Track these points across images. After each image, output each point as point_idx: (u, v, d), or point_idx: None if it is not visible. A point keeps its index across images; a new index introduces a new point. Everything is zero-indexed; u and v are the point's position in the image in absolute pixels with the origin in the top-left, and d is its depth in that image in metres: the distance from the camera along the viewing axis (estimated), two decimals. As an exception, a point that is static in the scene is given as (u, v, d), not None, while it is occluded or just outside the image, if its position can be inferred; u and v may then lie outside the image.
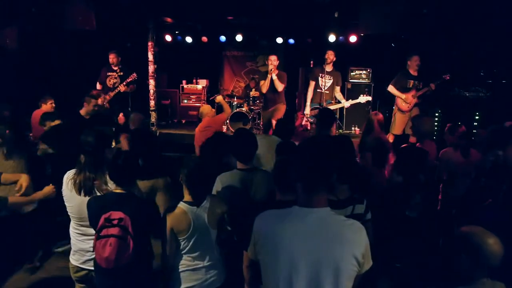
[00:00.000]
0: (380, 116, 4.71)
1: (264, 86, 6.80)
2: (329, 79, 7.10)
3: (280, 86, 6.75)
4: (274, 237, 1.76)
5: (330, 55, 6.97)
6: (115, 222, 2.43)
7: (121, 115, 5.96)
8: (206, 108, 5.67)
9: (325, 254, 1.68)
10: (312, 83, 7.19)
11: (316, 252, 1.68)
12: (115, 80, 7.21)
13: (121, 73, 7.23)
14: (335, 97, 7.27)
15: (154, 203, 2.81)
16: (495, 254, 1.93)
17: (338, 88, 7.24)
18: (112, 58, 7.20)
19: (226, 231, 2.76)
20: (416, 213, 2.89)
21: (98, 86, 7.28)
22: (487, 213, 3.14)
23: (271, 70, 6.67)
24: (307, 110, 7.20)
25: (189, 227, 2.58)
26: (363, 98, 7.35)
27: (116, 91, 7.07)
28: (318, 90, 7.14)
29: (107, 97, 7.05)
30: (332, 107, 7.16)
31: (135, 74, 7.15)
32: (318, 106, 7.11)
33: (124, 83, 7.09)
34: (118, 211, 2.46)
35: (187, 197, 2.68)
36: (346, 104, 7.29)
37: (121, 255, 2.41)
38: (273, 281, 1.77)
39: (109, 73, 7.24)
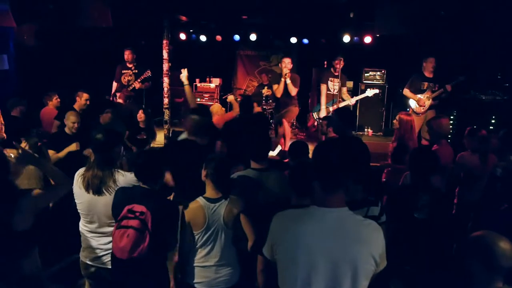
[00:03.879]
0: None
1: (278, 90, 6.78)
2: (338, 82, 7.36)
3: (293, 91, 6.75)
4: (293, 237, 1.77)
5: (339, 64, 7.16)
6: (137, 214, 2.48)
7: (140, 112, 5.99)
8: (215, 107, 5.69)
9: (343, 253, 1.69)
10: (324, 87, 7.47)
11: (335, 252, 1.70)
12: (129, 78, 7.26)
13: (136, 71, 7.27)
14: (342, 97, 7.44)
15: (175, 201, 2.85)
16: (508, 260, 1.90)
17: (344, 89, 7.50)
18: (127, 54, 7.25)
19: (241, 231, 2.77)
20: (424, 215, 2.86)
21: (114, 84, 7.34)
22: (502, 218, 3.10)
23: (285, 74, 6.65)
24: (322, 114, 7.35)
25: (204, 223, 2.63)
26: (370, 92, 7.59)
27: (131, 88, 7.12)
28: (328, 92, 7.50)
29: (122, 95, 7.12)
30: (337, 106, 7.36)
31: (149, 72, 7.20)
32: (326, 106, 7.44)
33: (139, 80, 7.14)
34: (141, 205, 2.50)
35: (208, 192, 2.73)
36: (352, 101, 7.55)
37: (135, 247, 2.44)
38: (291, 281, 1.77)
39: (124, 71, 7.30)
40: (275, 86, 6.89)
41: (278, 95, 6.84)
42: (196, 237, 2.66)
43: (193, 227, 2.65)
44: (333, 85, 7.36)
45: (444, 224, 2.96)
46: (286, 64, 6.69)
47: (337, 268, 1.69)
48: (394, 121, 4.81)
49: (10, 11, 6.32)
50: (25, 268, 2.48)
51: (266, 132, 3.41)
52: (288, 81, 6.66)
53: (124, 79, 7.26)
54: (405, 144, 4.52)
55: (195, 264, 2.70)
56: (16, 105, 5.58)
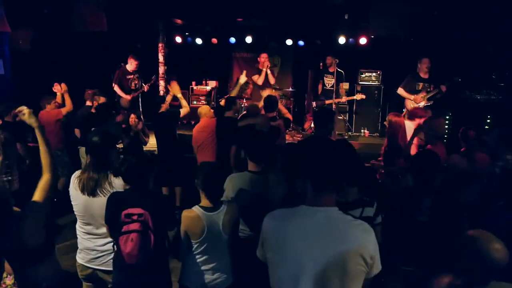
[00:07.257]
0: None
1: (260, 79, 7.98)
2: (332, 78, 8.14)
3: (272, 80, 8.05)
4: (281, 235, 1.76)
5: (328, 60, 8.13)
6: (135, 217, 2.47)
7: (134, 116, 5.97)
8: (204, 109, 5.62)
9: (332, 253, 1.66)
10: (320, 82, 8.35)
11: (323, 251, 1.67)
12: (136, 81, 7.30)
13: (137, 74, 7.32)
14: (340, 94, 8.21)
15: (168, 199, 2.84)
16: (500, 260, 1.92)
17: (341, 85, 8.25)
18: (132, 63, 7.19)
19: (237, 236, 2.77)
20: (426, 218, 2.86)
21: (117, 88, 7.23)
22: (498, 216, 3.10)
23: (267, 66, 7.88)
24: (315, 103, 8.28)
25: (203, 232, 2.60)
26: (358, 96, 8.37)
27: (140, 91, 7.16)
28: (325, 88, 8.30)
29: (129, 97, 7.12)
30: (328, 102, 8.10)
31: (154, 77, 7.28)
32: (323, 98, 8.21)
33: (149, 84, 7.32)
34: (136, 208, 2.49)
35: (203, 201, 2.70)
36: (343, 99, 8.34)
37: (143, 249, 2.45)
38: (280, 279, 1.77)
39: (129, 76, 7.27)
40: (255, 77, 8.04)
41: (260, 82, 8.00)
42: (195, 245, 2.64)
43: (191, 236, 2.62)
44: (327, 80, 8.20)
45: (444, 226, 2.96)
46: (265, 58, 7.97)
47: (325, 268, 1.66)
48: (385, 122, 4.80)
49: (5, 16, 6.32)
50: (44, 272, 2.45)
51: (266, 133, 3.36)
52: (268, 71, 7.93)
53: (132, 84, 7.25)
54: (396, 145, 4.49)
55: (192, 268, 2.69)
56: (10, 110, 5.53)
